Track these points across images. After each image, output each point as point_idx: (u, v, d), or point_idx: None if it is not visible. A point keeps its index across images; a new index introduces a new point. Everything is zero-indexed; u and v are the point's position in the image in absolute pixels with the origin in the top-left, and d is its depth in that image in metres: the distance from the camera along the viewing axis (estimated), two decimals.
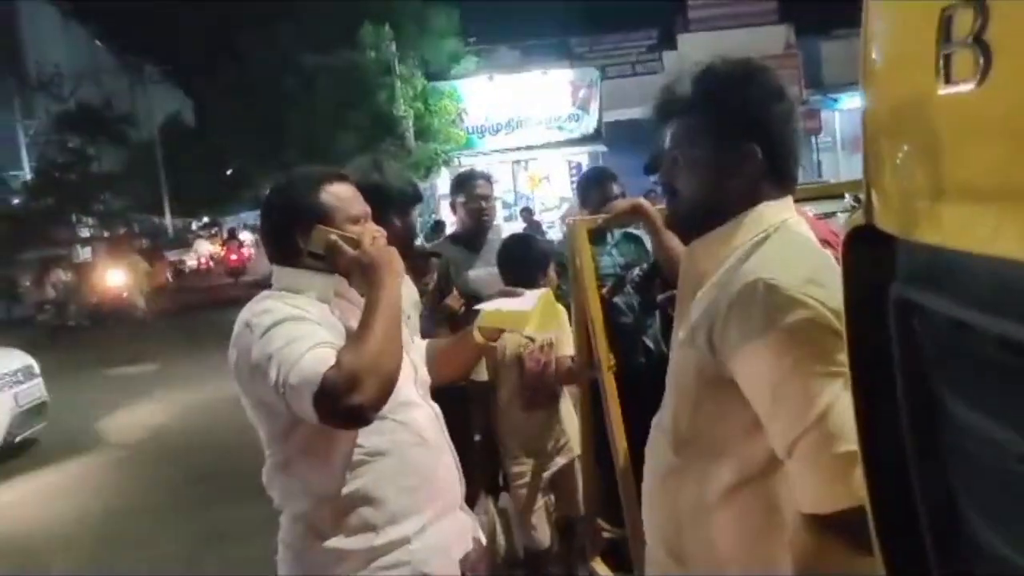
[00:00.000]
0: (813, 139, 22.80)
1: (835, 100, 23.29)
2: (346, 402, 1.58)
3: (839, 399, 1.23)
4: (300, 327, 1.68)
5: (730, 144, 1.47)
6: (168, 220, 32.84)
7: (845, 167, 22.43)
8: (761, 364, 1.31)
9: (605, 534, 3.36)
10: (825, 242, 2.25)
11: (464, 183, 3.96)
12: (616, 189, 3.93)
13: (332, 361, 1.60)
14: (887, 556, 0.90)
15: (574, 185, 21.09)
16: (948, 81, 0.63)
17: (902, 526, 0.89)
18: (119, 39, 34.38)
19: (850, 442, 1.18)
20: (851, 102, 23.33)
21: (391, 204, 2.45)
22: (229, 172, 25.95)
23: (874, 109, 0.82)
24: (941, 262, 0.69)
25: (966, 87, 0.61)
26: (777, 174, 1.49)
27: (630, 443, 2.64)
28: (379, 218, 2.39)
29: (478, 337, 2.15)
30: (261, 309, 1.74)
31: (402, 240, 2.50)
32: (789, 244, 1.45)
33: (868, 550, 0.93)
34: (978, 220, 0.62)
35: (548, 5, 24.92)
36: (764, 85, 1.49)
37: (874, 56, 0.81)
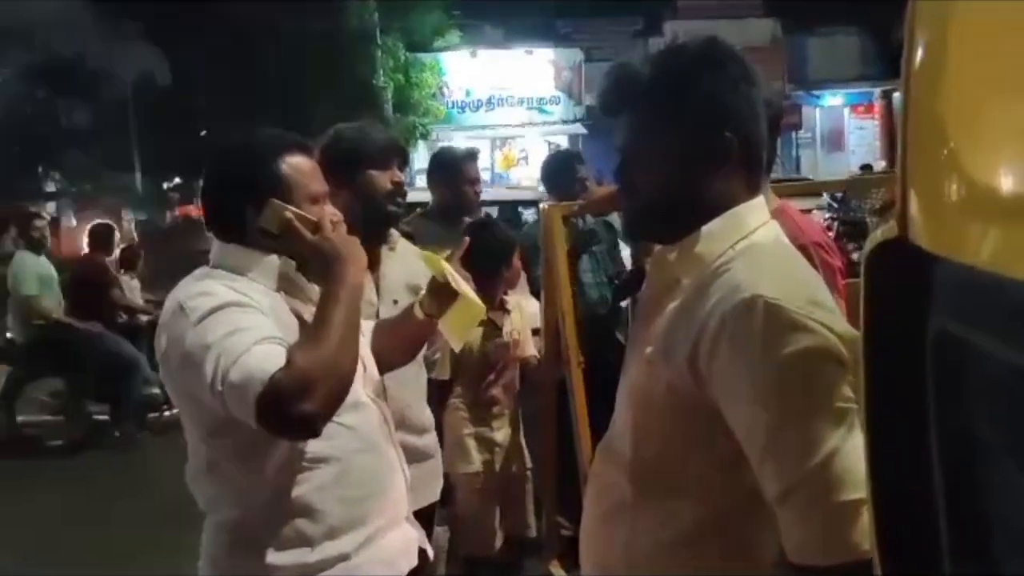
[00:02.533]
0: (793, 135, 22.76)
1: (817, 97, 23.27)
2: (295, 409, 1.39)
3: (845, 441, 1.07)
4: (245, 316, 1.48)
5: (704, 135, 1.27)
6: (138, 180, 32.16)
7: (824, 164, 22.45)
8: (757, 396, 1.13)
9: (565, 532, 3.24)
10: (817, 244, 2.12)
11: (451, 164, 3.67)
12: (582, 171, 3.79)
13: (282, 360, 1.41)
14: None
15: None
16: None
17: None
18: None
19: (854, 490, 1.04)
20: (833, 100, 23.39)
21: (375, 157, 2.29)
22: (203, 134, 25.46)
23: (924, 90, 0.67)
24: (1008, 296, 0.55)
25: None
26: (750, 169, 1.31)
27: (595, 441, 2.53)
28: (383, 170, 2.26)
29: (418, 312, 1.94)
30: (198, 291, 1.54)
31: (403, 193, 2.33)
32: (780, 255, 1.28)
33: None
34: None
35: None
36: (736, 68, 1.29)
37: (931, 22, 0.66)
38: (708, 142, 1.27)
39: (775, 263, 1.25)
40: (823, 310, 1.15)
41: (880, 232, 0.75)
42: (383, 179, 2.29)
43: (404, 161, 2.43)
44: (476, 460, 2.99)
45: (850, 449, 1.05)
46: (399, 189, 2.33)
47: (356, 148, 2.26)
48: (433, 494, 2.46)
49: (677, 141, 1.29)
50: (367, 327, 1.94)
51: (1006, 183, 0.58)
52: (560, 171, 3.85)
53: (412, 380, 2.43)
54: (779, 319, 1.12)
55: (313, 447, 1.56)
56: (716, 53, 1.30)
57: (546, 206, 2.87)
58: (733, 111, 1.28)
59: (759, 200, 1.33)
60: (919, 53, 0.71)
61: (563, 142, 21.07)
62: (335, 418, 1.55)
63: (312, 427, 1.46)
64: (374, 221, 2.25)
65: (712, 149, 1.27)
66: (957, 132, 0.65)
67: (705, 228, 1.28)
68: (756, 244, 1.27)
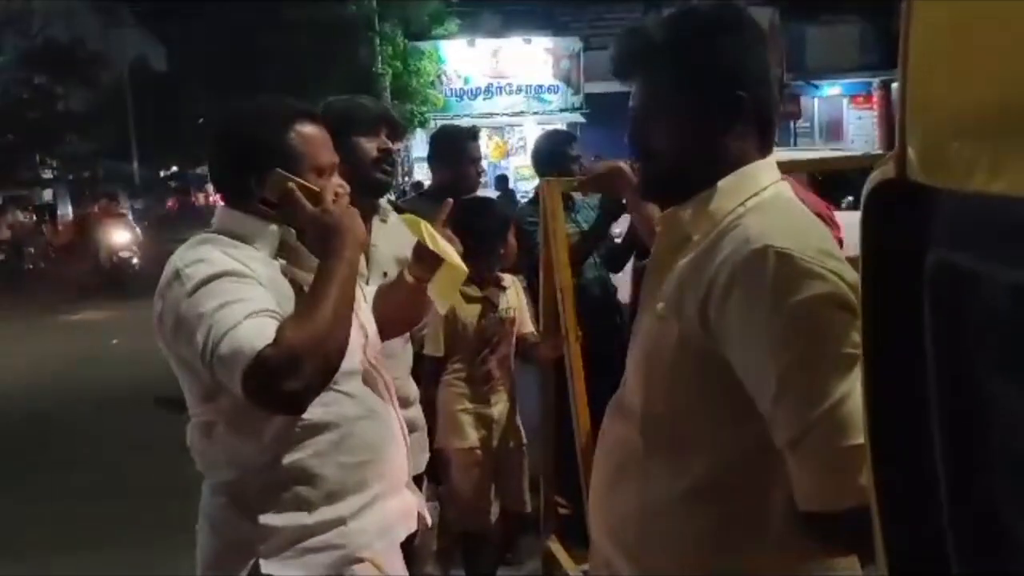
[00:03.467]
0: (791, 124, 22.74)
1: (816, 87, 23.24)
2: (280, 386, 1.39)
3: (855, 387, 1.07)
4: (240, 286, 1.47)
5: (718, 95, 1.29)
6: (135, 167, 32.10)
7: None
8: (768, 344, 1.14)
9: (562, 511, 3.25)
10: (819, 216, 2.12)
11: (453, 143, 3.58)
12: (574, 149, 3.77)
13: (272, 334, 1.40)
14: (892, 558, 0.77)
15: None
16: None
17: (913, 528, 0.76)
18: None
19: (863, 435, 1.05)
20: (832, 89, 23.37)
21: (362, 124, 2.29)
22: (201, 121, 25.39)
23: (922, 30, 0.67)
24: (1003, 217, 0.55)
25: None
26: (762, 130, 1.33)
27: (593, 418, 2.53)
28: (369, 137, 2.29)
29: (408, 277, 1.92)
30: (196, 257, 1.53)
31: (391, 161, 2.34)
32: (790, 209, 1.30)
33: (870, 555, 0.81)
34: None
35: None
36: (748, 30, 1.32)
37: None
38: (722, 102, 1.29)
39: (785, 216, 1.27)
40: (832, 259, 1.16)
41: (878, 172, 0.76)
42: (370, 145, 2.29)
43: (394, 130, 2.42)
44: (471, 436, 2.99)
45: (859, 395, 1.05)
46: (386, 156, 2.32)
47: (344, 115, 2.27)
48: (418, 466, 2.48)
49: (692, 102, 1.31)
50: (370, 292, 1.94)
51: (994, 109, 0.58)
52: (553, 151, 3.78)
53: (400, 353, 2.45)
54: (789, 267, 1.14)
55: (313, 413, 1.54)
56: (729, 15, 1.33)
57: (545, 181, 2.85)
58: (746, 71, 1.30)
59: (771, 160, 1.35)
60: (915, 6, 0.71)
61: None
62: (335, 385, 1.55)
63: (298, 404, 1.46)
64: (361, 187, 2.25)
65: (726, 109, 1.29)
66: (965, 53, 0.65)
67: (718, 185, 1.30)
68: (766, 200, 1.28)
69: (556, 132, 4.48)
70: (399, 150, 20.66)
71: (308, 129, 1.64)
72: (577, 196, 3.67)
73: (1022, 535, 0.60)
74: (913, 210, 0.70)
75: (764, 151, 1.34)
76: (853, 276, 1.13)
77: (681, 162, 1.33)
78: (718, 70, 1.29)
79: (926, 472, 0.71)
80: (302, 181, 1.59)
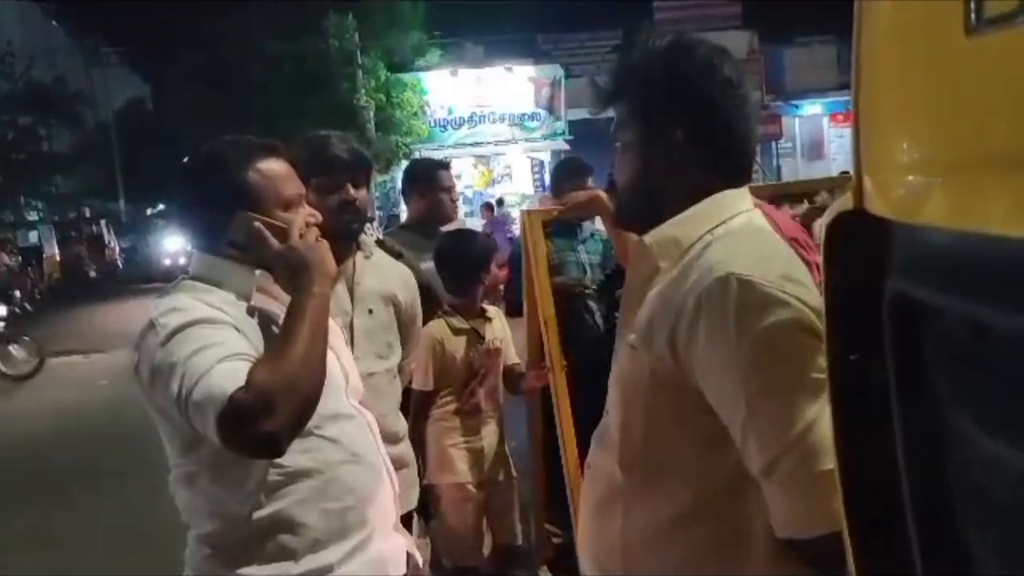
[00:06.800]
0: (774, 144, 22.94)
1: (796, 106, 23.49)
2: (255, 430, 1.36)
3: (823, 412, 1.05)
4: (212, 332, 1.46)
5: (654, 129, 1.31)
6: (122, 205, 32.07)
7: (805, 173, 22.58)
8: (735, 372, 1.15)
9: (555, 539, 3.24)
10: (795, 240, 2.14)
11: (424, 173, 3.61)
12: (591, 184, 3.77)
13: (244, 377, 1.38)
14: None
15: (536, 179, 21.05)
16: (979, 20, 0.50)
17: (885, 555, 0.77)
18: (75, 19, 33.49)
19: (834, 460, 1.06)
20: (812, 108, 23.61)
21: (324, 176, 2.27)
22: (186, 159, 25.39)
23: (872, 68, 0.69)
24: (956, 249, 0.56)
25: (1003, 27, 0.48)
26: (723, 159, 1.33)
27: (583, 447, 2.53)
28: (331, 188, 2.25)
29: None
30: (169, 307, 1.51)
31: (355, 211, 2.31)
32: (756, 237, 1.31)
33: None
34: (1011, 195, 0.49)
35: (514, 2, 24.70)
36: (696, 61, 1.31)
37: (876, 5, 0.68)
38: (660, 136, 1.31)
39: (750, 243, 1.27)
40: (796, 284, 1.16)
41: (837, 204, 0.77)
42: (332, 197, 2.25)
43: (363, 177, 2.37)
44: (462, 471, 2.97)
45: (828, 419, 1.06)
46: (348, 207, 2.29)
47: (308, 165, 2.23)
48: (409, 502, 2.46)
49: (636, 136, 1.35)
50: (361, 327, 1.92)
51: (945, 143, 0.60)
52: (569, 177, 3.78)
53: (386, 390, 2.41)
54: (752, 294, 1.14)
55: (294, 461, 1.52)
56: (680, 46, 1.33)
57: (525, 210, 2.87)
58: (693, 104, 1.30)
59: (741, 190, 1.36)
60: (865, 44, 0.73)
61: (545, 158, 21.20)
62: (317, 430, 1.54)
63: (274, 447, 1.42)
64: (329, 235, 2.25)
65: (664, 143, 1.31)
66: (907, 94, 0.67)
67: (683, 214, 1.31)
68: (735, 228, 1.29)
69: (571, 159, 4.49)
70: (383, 182, 20.72)
71: (268, 164, 1.61)
72: (587, 225, 3.65)
73: (984, 558, 0.61)
74: (871, 241, 0.71)
75: (732, 179, 1.34)
76: (817, 301, 1.14)
77: (637, 192, 1.37)
78: (659, 103, 1.31)
79: (895, 498, 0.72)
80: (268, 219, 1.57)
